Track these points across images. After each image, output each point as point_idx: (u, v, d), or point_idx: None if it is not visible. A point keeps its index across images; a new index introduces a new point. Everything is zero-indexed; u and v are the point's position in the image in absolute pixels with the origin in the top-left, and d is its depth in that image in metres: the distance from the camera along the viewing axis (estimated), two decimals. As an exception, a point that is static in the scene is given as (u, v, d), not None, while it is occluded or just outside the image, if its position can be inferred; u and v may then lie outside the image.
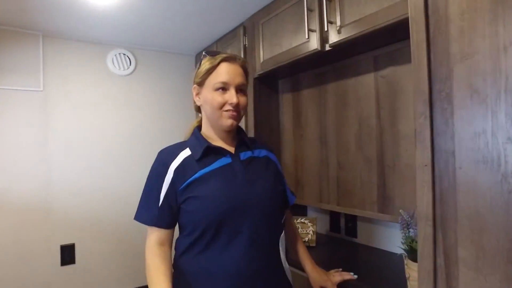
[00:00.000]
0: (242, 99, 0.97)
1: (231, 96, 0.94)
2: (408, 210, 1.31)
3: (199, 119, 1.10)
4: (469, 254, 0.64)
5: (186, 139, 1.06)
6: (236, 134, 1.06)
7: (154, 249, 0.94)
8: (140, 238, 2.25)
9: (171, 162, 0.94)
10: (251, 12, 1.82)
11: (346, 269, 1.22)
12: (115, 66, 2.23)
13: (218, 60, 0.96)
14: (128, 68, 2.27)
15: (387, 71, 1.42)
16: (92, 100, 2.22)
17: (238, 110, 0.96)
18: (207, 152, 0.96)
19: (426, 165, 0.70)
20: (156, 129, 2.43)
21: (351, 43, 1.33)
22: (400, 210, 1.21)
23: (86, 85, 2.19)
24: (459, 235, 0.66)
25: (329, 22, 1.35)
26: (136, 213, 0.97)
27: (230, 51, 2.06)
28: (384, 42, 1.37)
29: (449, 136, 0.67)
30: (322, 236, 1.84)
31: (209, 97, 0.95)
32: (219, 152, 0.97)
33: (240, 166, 0.97)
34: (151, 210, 0.94)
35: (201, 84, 0.99)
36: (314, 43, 1.43)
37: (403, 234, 1.22)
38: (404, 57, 1.35)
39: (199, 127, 1.06)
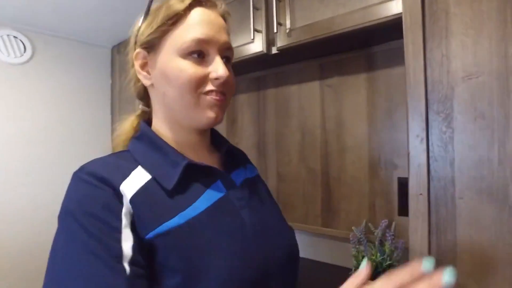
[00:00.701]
0: (231, 75, 0.58)
1: (217, 65, 0.55)
2: (354, 223, 1.29)
3: (139, 112, 0.66)
4: (470, 293, 0.58)
5: (117, 149, 0.62)
6: (210, 139, 0.67)
7: None
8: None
9: (121, 183, 0.50)
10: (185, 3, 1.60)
11: None
12: (1, 52, 1.74)
13: (187, 2, 0.56)
14: (21, 55, 1.79)
15: (334, 80, 1.37)
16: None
17: (225, 93, 0.58)
18: (188, 176, 0.54)
19: (421, 194, 0.62)
20: (62, 132, 1.98)
21: (301, 48, 1.24)
22: (353, 227, 1.17)
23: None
24: (459, 272, 0.60)
25: (279, 23, 1.24)
26: None
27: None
28: (336, 50, 1.32)
29: (448, 162, 0.60)
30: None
31: (172, 67, 0.55)
32: (206, 174, 0.57)
33: (240, 199, 0.59)
34: None
35: (152, 46, 0.57)
36: (259, 45, 1.30)
37: (355, 251, 1.18)
38: (352, 67, 1.32)
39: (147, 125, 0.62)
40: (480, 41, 0.57)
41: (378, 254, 1.13)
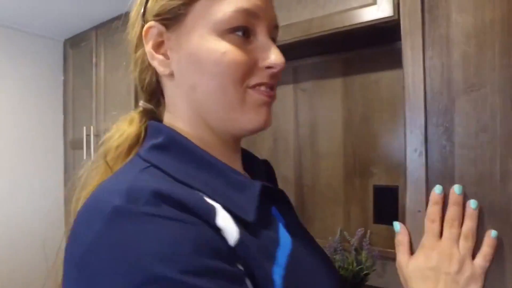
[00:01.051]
0: None
1: (270, 50, 0.41)
2: (329, 231, 1.26)
3: (140, 109, 0.49)
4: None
5: (109, 157, 0.43)
6: None
7: None
8: None
9: (214, 217, 0.35)
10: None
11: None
12: None
13: None
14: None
15: (308, 85, 1.34)
16: None
17: (274, 87, 0.45)
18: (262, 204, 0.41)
19: (419, 211, 0.59)
20: (1, 137, 1.76)
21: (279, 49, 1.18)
22: (330, 238, 1.14)
23: None
24: (459, 294, 0.57)
25: (253, 23, 1.17)
26: None
27: (115, 43, 1.65)
28: (312, 53, 1.28)
29: (448, 178, 0.57)
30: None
31: (209, 49, 0.40)
32: (273, 199, 0.46)
33: (297, 227, 0.50)
34: None
35: (175, 18, 0.41)
36: (231, 45, 1.23)
37: (331, 262, 1.15)
38: (328, 71, 1.29)
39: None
40: (483, 52, 0.55)
41: (355, 264, 1.11)
